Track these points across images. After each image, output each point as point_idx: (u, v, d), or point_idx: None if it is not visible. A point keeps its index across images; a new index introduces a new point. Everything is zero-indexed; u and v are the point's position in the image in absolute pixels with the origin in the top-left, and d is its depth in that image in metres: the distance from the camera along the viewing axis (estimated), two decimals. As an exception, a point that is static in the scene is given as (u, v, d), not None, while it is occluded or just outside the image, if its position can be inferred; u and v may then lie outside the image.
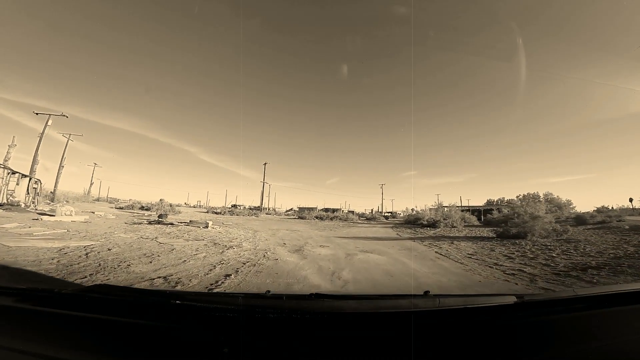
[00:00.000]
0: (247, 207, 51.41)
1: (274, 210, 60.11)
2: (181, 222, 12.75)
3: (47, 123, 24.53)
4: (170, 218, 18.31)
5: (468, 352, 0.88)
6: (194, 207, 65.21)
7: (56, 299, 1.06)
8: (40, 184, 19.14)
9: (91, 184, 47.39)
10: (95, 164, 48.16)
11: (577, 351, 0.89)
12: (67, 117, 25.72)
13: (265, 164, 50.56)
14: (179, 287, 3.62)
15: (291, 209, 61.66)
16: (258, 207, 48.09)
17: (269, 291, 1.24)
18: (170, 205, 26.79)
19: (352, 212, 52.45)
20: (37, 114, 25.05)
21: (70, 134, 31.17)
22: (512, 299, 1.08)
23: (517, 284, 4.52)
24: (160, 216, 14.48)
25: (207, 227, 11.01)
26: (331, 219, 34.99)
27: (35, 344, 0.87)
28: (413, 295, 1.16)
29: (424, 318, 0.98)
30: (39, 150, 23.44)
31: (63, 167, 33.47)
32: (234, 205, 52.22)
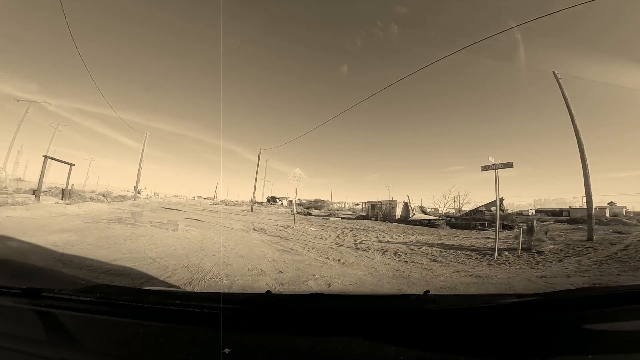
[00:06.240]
0: (264, 202, 47.75)
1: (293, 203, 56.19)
2: (158, 221, 9.51)
3: (27, 111, 22.50)
4: (151, 215, 15.10)
5: (468, 352, 0.85)
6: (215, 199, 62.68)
7: (56, 299, 1.02)
8: (5, 172, 17.40)
9: (86, 179, 46.51)
10: (92, 158, 47.76)
11: (577, 351, 0.87)
12: (50, 104, 23.70)
13: (260, 150, 46.92)
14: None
15: (300, 203, 57.63)
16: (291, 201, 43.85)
17: (269, 291, 1.25)
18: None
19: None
20: (18, 101, 23.24)
21: (57, 124, 29.90)
22: (512, 299, 1.08)
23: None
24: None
25: (176, 229, 7.57)
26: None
27: (36, 344, 0.84)
28: (413, 295, 1.16)
29: (424, 318, 0.98)
30: (15, 139, 21.31)
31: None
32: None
